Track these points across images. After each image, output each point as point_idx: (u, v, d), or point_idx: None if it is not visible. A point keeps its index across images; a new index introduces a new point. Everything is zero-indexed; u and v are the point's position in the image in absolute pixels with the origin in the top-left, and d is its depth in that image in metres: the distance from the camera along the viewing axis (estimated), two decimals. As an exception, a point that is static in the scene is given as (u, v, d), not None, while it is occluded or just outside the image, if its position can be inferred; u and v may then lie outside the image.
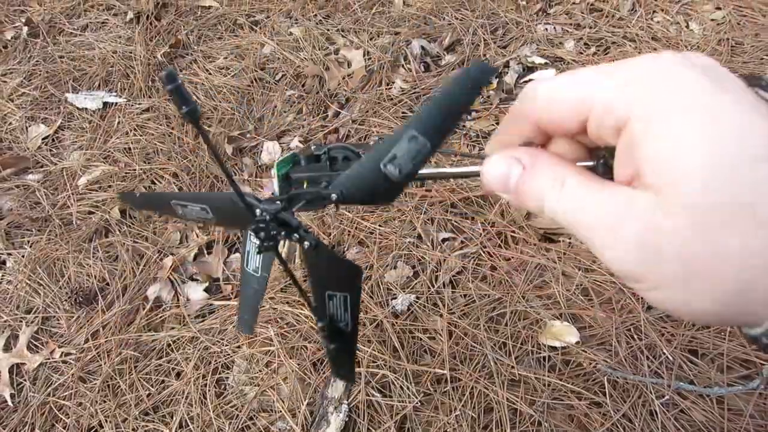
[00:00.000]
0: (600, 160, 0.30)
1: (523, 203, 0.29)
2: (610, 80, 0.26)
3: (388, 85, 1.72)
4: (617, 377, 1.05)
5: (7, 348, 1.31)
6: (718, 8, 1.97)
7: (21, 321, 1.35)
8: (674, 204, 0.23)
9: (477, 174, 0.32)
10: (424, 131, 0.30)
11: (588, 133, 0.28)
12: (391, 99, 1.67)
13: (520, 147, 0.30)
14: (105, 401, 1.19)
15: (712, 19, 1.92)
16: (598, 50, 1.82)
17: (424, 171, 0.32)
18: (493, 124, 1.60)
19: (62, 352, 1.28)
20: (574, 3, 2.00)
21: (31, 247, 1.46)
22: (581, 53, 1.81)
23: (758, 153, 0.22)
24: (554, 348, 1.10)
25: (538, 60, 1.77)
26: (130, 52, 1.95)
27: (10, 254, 1.47)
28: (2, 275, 1.44)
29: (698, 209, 0.23)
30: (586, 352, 1.09)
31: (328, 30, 1.92)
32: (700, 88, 0.24)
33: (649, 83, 0.25)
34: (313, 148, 0.39)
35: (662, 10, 1.98)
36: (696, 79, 0.24)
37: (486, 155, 0.31)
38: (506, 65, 1.77)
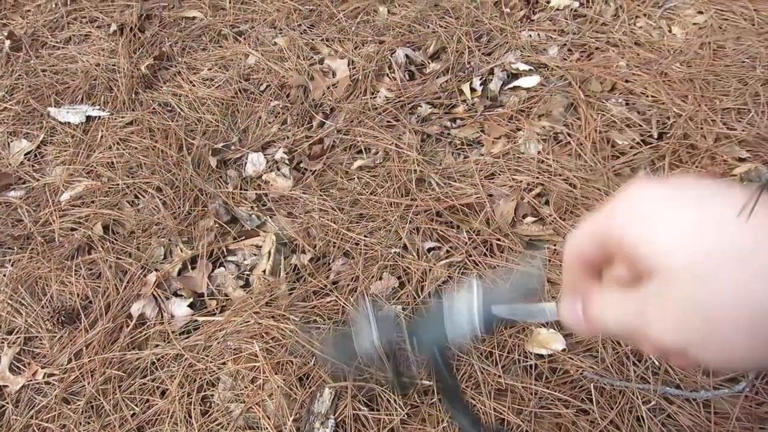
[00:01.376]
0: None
1: (593, 330, 0.36)
2: (598, 222, 0.34)
3: (373, 94, 1.72)
4: (604, 384, 1.05)
5: (-12, 369, 1.29)
6: (700, 12, 1.98)
7: (2, 342, 1.33)
8: (670, 278, 0.29)
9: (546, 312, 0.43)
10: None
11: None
12: (376, 108, 1.67)
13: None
14: (89, 422, 1.18)
15: (695, 23, 1.93)
16: (582, 56, 1.83)
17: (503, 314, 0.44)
18: (477, 131, 1.60)
19: (45, 373, 1.26)
20: (557, 9, 2.01)
21: (12, 265, 1.44)
22: (565, 59, 1.81)
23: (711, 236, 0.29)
24: (541, 356, 1.10)
25: (523, 66, 1.77)
26: (114, 65, 1.93)
27: (-9, 273, 1.45)
28: (-16, 294, 1.42)
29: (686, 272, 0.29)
30: (572, 359, 1.08)
31: (312, 40, 1.91)
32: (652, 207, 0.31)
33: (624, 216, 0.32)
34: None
35: (645, 15, 1.99)
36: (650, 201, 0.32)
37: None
38: (491, 72, 1.77)
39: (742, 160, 1.40)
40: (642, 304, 0.31)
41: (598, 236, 0.34)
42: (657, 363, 1.05)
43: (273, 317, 1.19)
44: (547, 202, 1.38)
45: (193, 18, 2.10)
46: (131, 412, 1.17)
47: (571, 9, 2.02)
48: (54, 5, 2.26)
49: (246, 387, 1.13)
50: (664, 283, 0.29)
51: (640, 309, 0.31)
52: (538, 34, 1.94)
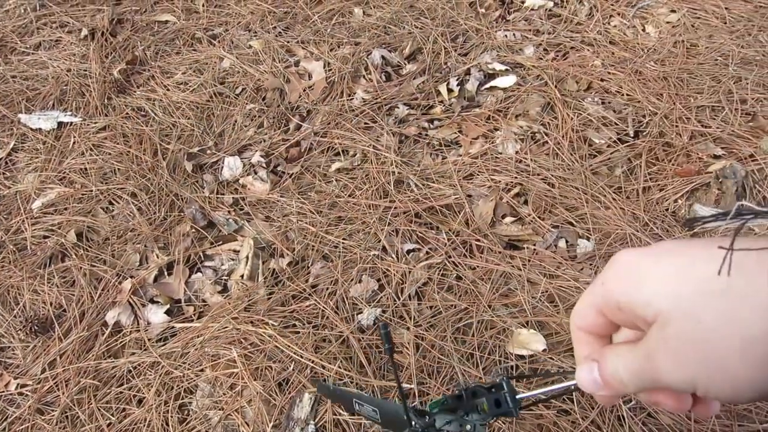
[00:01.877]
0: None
1: (614, 391, 0.36)
2: (599, 290, 0.36)
3: (349, 96, 1.71)
4: (585, 383, 1.05)
5: (-42, 382, 1.25)
6: (673, 11, 2.00)
7: (-27, 353, 1.29)
8: (664, 320, 0.31)
9: (571, 389, 0.43)
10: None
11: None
12: (353, 110, 1.66)
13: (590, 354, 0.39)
14: (64, 433, 1.15)
15: (668, 22, 1.96)
16: (558, 55, 1.84)
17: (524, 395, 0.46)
18: (455, 132, 1.60)
19: (18, 384, 1.23)
20: (532, 9, 2.02)
21: (-17, 275, 1.40)
22: (541, 59, 1.82)
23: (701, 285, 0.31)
24: (522, 357, 1.10)
25: (499, 66, 1.78)
26: (85, 70, 1.90)
27: (-39, 283, 1.41)
28: (-47, 306, 1.38)
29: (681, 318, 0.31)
30: (553, 359, 1.08)
31: (287, 42, 1.90)
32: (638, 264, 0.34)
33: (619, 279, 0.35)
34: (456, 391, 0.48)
35: (619, 14, 2.01)
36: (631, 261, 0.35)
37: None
38: (467, 72, 1.77)
39: (717, 157, 1.42)
40: (648, 350, 0.33)
41: (596, 306, 0.36)
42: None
43: (252, 322, 1.18)
44: (525, 202, 1.38)
45: (166, 22, 2.08)
46: (107, 421, 1.14)
47: (546, 9, 2.03)
48: (23, 10, 2.21)
49: (224, 394, 1.11)
50: (661, 326, 0.31)
51: (648, 355, 0.33)
52: (514, 34, 1.95)
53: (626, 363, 0.35)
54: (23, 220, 1.52)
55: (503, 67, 1.78)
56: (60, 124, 1.76)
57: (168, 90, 1.80)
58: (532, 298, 1.17)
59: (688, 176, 1.38)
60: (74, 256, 1.40)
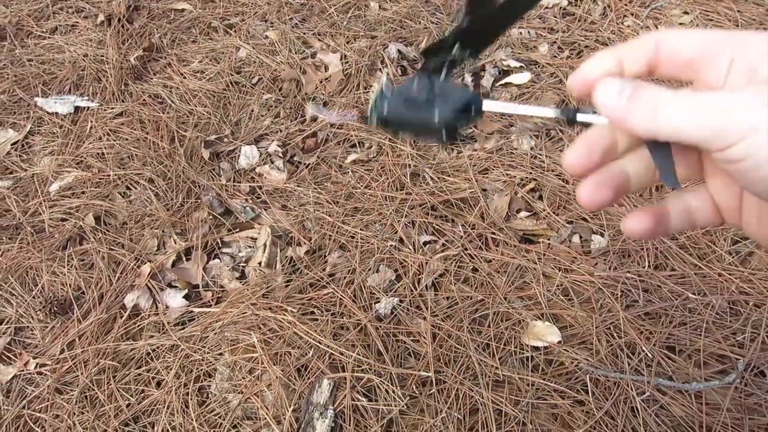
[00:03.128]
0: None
1: (631, 118, 0.31)
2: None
3: (365, 88, 1.72)
4: (599, 375, 1.07)
5: (-22, 360, 1.27)
6: (686, 12, 2.02)
7: (-8, 332, 1.31)
8: None
9: (552, 118, 0.37)
10: None
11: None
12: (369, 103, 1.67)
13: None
14: (83, 413, 1.17)
15: (681, 23, 1.97)
16: (572, 54, 1.85)
17: (496, 106, 0.39)
18: (470, 126, 1.61)
19: (37, 363, 1.25)
20: (547, 8, 2.03)
21: (1, 255, 1.42)
22: (555, 56, 1.84)
23: None
24: (537, 348, 1.12)
25: (514, 63, 1.79)
26: (102, 56, 1.91)
27: (-21, 264, 1.43)
28: (-29, 285, 1.40)
29: None
30: (567, 351, 1.10)
31: (304, 34, 1.91)
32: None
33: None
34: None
35: (632, 15, 2.02)
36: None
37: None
38: (482, 68, 1.79)
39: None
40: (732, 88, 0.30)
41: (646, 50, 0.33)
42: (650, 356, 1.07)
43: (270, 309, 1.20)
44: (540, 197, 1.40)
45: (183, 10, 2.08)
46: (126, 402, 1.16)
47: (560, 7, 2.04)
48: (39, -6, 2.22)
49: (243, 378, 1.13)
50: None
51: (726, 100, 0.29)
52: (529, 32, 1.96)
53: (687, 105, 0.30)
54: (40, 203, 1.53)
55: (518, 64, 1.80)
56: (77, 108, 1.77)
57: (185, 78, 1.81)
58: (547, 291, 1.19)
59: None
60: (92, 240, 1.42)
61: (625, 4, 2.04)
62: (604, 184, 0.35)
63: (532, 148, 1.52)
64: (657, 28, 1.99)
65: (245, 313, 1.19)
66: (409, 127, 0.41)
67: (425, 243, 1.30)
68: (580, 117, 0.36)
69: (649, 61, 0.34)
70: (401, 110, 0.40)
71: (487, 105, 0.39)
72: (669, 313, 1.16)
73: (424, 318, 1.17)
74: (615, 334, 1.12)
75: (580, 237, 1.31)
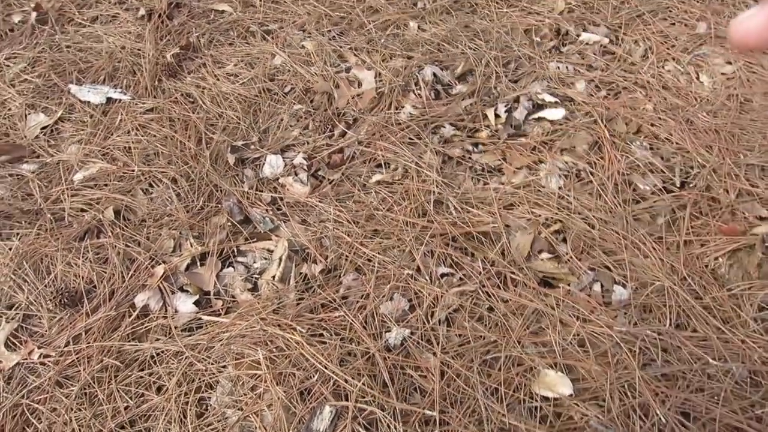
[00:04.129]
0: None
1: None
2: None
3: (397, 109, 1.71)
4: (607, 434, 1.04)
5: (-17, 344, 1.27)
6: (729, 63, 1.98)
7: (1, 316, 1.31)
8: None
9: None
10: None
11: None
12: (399, 124, 1.66)
13: None
14: (81, 409, 1.16)
15: (723, 73, 1.94)
16: (609, 94, 1.82)
17: None
18: (499, 159, 1.59)
19: (41, 353, 1.24)
20: (587, 44, 2.01)
21: (19, 240, 1.42)
22: (592, 95, 1.81)
23: None
24: (546, 398, 1.09)
25: (549, 98, 1.77)
26: (139, 50, 1.92)
27: (-4, 246, 1.43)
28: (-14, 267, 1.40)
29: None
30: (578, 405, 1.07)
31: (340, 47, 1.91)
32: None
33: None
34: None
35: (674, 59, 1.99)
36: None
37: None
38: (516, 100, 1.77)
39: (763, 218, 1.40)
40: None
41: None
42: (664, 420, 1.04)
43: (279, 326, 1.18)
44: (564, 240, 1.37)
45: (223, 12, 2.09)
46: (125, 404, 1.15)
47: (601, 45, 2.02)
48: (85, -19, 2.24)
49: (245, 394, 1.11)
50: None
51: None
52: (567, 67, 1.94)
53: None
54: (63, 191, 1.53)
55: (553, 99, 1.77)
56: (109, 99, 1.78)
57: (218, 80, 1.81)
58: (563, 340, 1.16)
59: (731, 235, 1.36)
60: (110, 234, 1.41)
61: (667, 48, 2.01)
62: None
63: (560, 188, 1.49)
64: (698, 75, 1.95)
65: (254, 327, 1.18)
66: None
67: (442, 275, 1.27)
68: None
69: None
70: None
71: None
72: (687, 376, 1.12)
73: (434, 353, 1.14)
74: (629, 393, 1.08)
75: (602, 286, 1.28)
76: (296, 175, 1.53)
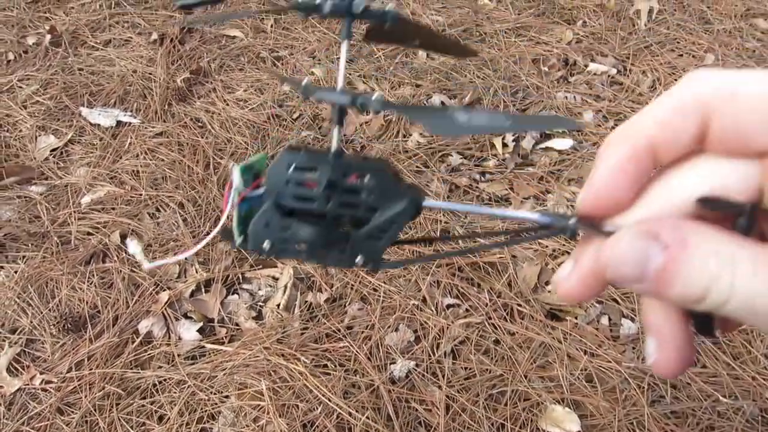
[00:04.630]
0: (745, 212, 0.24)
1: (668, 293, 0.23)
2: None
3: (405, 137, 1.72)
4: (616, 473, 1.02)
5: (-15, 368, 1.26)
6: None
7: (4, 340, 1.30)
8: None
9: (535, 224, 0.28)
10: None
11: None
12: (407, 152, 1.66)
13: (658, 220, 0.24)
14: (81, 438, 1.14)
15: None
16: (617, 124, 1.83)
17: (460, 206, 0.29)
18: (506, 188, 1.59)
19: (43, 379, 1.23)
20: (595, 74, 2.02)
21: (25, 263, 1.42)
22: (599, 125, 1.81)
23: None
24: (553, 435, 1.07)
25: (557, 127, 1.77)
26: (150, 74, 1.94)
27: (2, 267, 1.43)
28: (-9, 289, 1.40)
29: None
30: (586, 443, 1.05)
31: (349, 74, 1.92)
32: None
33: None
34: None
35: (681, 91, 1.99)
36: None
37: (572, 219, 0.27)
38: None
39: None
40: None
41: (680, 108, 0.24)
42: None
43: (283, 355, 1.17)
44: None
45: (234, 37, 2.12)
46: (125, 434, 1.13)
47: (609, 75, 2.03)
48: (98, 6, 2.28)
49: (247, 426, 1.09)
50: None
51: None
52: (574, 97, 1.94)
53: (759, 292, 0.21)
54: (70, 214, 1.54)
55: (561, 129, 1.78)
56: (119, 122, 1.80)
57: (227, 105, 1.83)
58: (570, 375, 1.14)
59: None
60: (115, 258, 1.41)
61: (675, 79, 2.02)
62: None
63: (567, 219, 1.48)
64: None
65: (257, 357, 1.17)
66: (304, 254, 0.29)
67: (448, 306, 1.26)
68: (583, 227, 0.27)
69: (694, 142, 0.24)
70: (289, 230, 0.28)
71: (431, 203, 0.30)
72: (696, 414, 1.10)
73: (440, 387, 1.13)
74: (638, 431, 1.06)
75: (609, 319, 1.27)
76: (303, 201, 1.53)
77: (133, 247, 0.39)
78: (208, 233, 1.44)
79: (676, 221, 0.24)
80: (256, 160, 0.31)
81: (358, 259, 0.29)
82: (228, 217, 0.29)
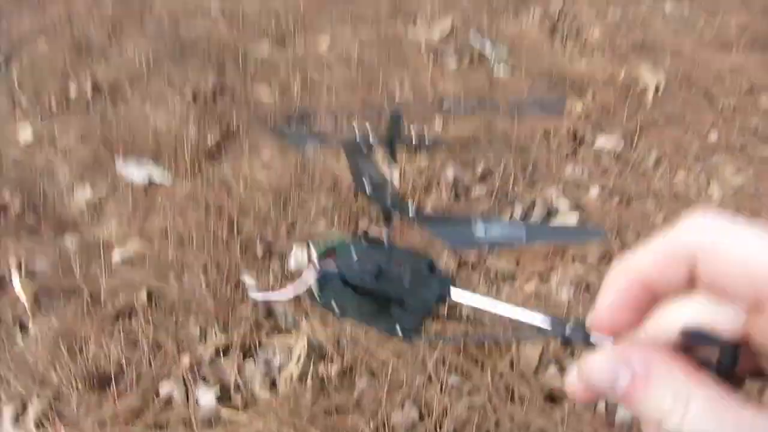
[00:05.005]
0: (726, 350, 0.25)
1: (634, 409, 0.26)
2: None
3: (418, 207, 1.81)
4: None
5: (14, 419, 1.35)
6: (739, 169, 2.06)
7: (33, 394, 1.39)
8: None
9: (540, 331, 0.32)
10: None
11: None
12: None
13: (633, 346, 0.27)
14: (101, 495, 1.22)
15: (732, 185, 2.01)
16: (621, 201, 1.91)
17: (479, 303, 0.36)
18: (512, 265, 1.67)
19: (68, 435, 1.31)
20: (601, 150, 2.11)
21: (57, 318, 1.52)
22: (605, 202, 1.89)
23: None
24: None
25: (563, 203, 1.86)
26: (182, 131, 2.06)
27: (35, 320, 1.53)
28: (23, 341, 1.49)
29: None
30: None
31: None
32: None
33: None
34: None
35: (686, 169, 2.07)
36: None
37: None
38: (533, 204, 1.86)
39: None
40: None
41: (670, 252, 0.26)
42: None
43: (294, 427, 1.24)
44: (572, 354, 1.43)
45: (262, 99, 2.24)
46: (143, 494, 1.21)
47: (615, 152, 2.12)
48: (138, 61, 2.42)
49: (258, 495, 1.17)
50: None
51: None
52: (582, 171, 2.03)
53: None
54: (101, 270, 1.64)
55: (567, 205, 1.86)
56: (150, 179, 1.91)
57: (253, 167, 1.94)
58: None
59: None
60: (141, 318, 1.50)
61: (681, 158, 2.10)
62: None
63: (569, 300, 1.55)
64: (709, 184, 2.03)
65: (270, 427, 1.24)
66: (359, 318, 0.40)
67: (452, 385, 1.34)
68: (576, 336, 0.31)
69: (686, 284, 0.26)
70: (351, 299, 0.39)
71: (458, 295, 0.36)
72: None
73: (440, 467, 1.19)
74: None
75: (606, 405, 1.33)
76: (319, 269, 1.62)
77: (249, 279, 0.53)
78: (229, 298, 1.52)
79: (649, 352, 0.26)
80: (331, 243, 0.43)
81: (398, 329, 0.40)
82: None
